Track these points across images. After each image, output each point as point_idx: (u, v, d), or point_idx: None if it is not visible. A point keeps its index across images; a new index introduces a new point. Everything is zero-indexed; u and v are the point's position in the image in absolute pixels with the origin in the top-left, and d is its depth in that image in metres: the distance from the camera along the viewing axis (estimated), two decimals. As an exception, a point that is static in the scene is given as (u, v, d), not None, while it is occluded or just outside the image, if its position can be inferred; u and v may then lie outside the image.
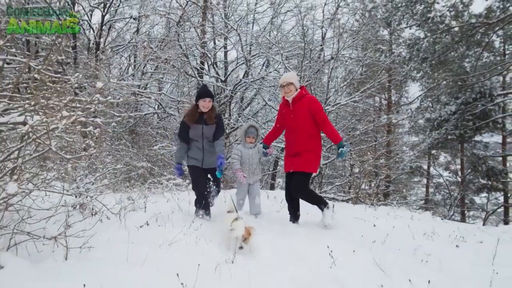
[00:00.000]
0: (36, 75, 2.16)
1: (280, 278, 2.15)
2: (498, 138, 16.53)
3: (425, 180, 19.86)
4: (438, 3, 11.37)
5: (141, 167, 6.73)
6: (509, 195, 15.15)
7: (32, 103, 1.91)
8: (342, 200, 8.03)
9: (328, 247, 2.54)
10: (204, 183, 3.86)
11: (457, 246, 3.53)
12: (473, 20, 9.83)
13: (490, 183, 12.79)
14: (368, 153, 9.57)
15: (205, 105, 3.94)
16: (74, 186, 3.08)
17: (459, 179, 16.31)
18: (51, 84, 2.08)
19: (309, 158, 3.97)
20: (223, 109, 10.91)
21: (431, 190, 19.61)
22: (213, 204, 4.09)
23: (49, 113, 1.82)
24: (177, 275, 1.74)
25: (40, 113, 1.94)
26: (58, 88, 2.14)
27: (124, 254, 2.29)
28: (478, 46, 9.93)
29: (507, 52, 15.08)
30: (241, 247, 2.69)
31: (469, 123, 11.85)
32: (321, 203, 3.90)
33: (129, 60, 14.10)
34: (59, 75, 2.63)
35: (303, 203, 4.15)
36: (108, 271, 1.94)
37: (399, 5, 9.17)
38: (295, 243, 2.91)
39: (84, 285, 1.53)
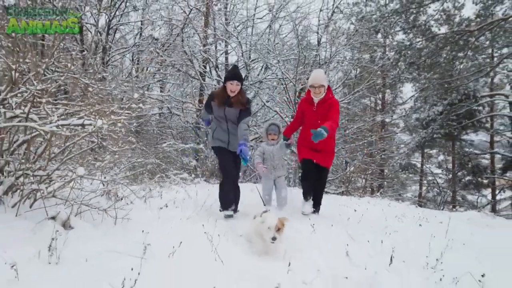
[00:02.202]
0: (90, 89, 2.89)
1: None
2: (487, 137, 17.34)
3: (419, 178, 20.73)
4: (425, 12, 12.17)
5: (151, 163, 7.46)
6: (497, 191, 15.96)
7: (91, 110, 2.64)
8: (333, 193, 8.78)
9: (309, 219, 3.29)
10: (232, 165, 3.91)
11: (420, 225, 4.27)
12: (458, 27, 10.60)
13: (475, 179, 13.55)
14: (358, 150, 10.28)
15: (232, 88, 3.75)
16: (109, 176, 3.81)
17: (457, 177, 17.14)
18: (102, 96, 2.78)
19: (330, 155, 4.36)
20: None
21: (424, 187, 20.48)
22: (236, 210, 4.06)
23: (106, 118, 2.55)
24: (203, 225, 2.49)
25: (96, 117, 2.67)
26: (110, 99, 2.87)
27: (154, 224, 3.03)
28: (462, 51, 10.67)
29: (495, 54, 15.89)
30: (274, 238, 2.47)
31: (453, 123, 12.63)
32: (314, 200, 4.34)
33: (133, 62, 14.82)
34: (102, 87, 3.37)
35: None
36: (149, 233, 2.68)
37: (386, 15, 9.93)
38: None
39: (143, 230, 2.27)
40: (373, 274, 2.27)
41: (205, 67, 12.07)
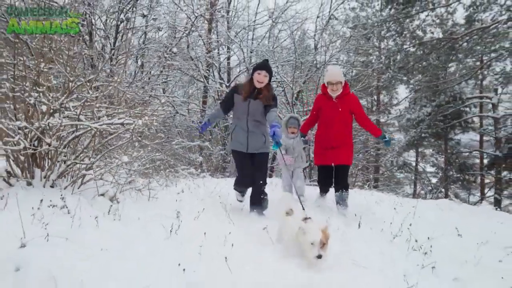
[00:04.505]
0: (128, 96, 3.70)
1: (267, 214, 3.72)
2: (478, 137, 18.18)
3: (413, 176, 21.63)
4: (418, 17, 12.99)
5: (161, 159, 8.26)
6: (486, 190, 16.81)
7: (130, 112, 3.45)
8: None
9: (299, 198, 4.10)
10: (250, 173, 3.73)
11: (394, 208, 5.08)
12: (445, 33, 11.45)
13: (463, 176, 14.40)
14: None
15: (259, 78, 3.61)
16: (135, 166, 4.62)
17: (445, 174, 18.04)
18: (138, 101, 3.58)
19: (350, 152, 4.31)
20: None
21: (419, 185, 21.38)
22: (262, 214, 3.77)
23: (142, 118, 3.37)
24: (219, 196, 3.32)
25: (136, 118, 3.49)
26: (144, 103, 3.67)
27: (177, 201, 3.85)
28: (449, 56, 11.50)
29: (484, 58, 16.72)
30: (319, 256, 2.13)
31: (440, 123, 13.51)
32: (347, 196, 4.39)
33: (137, 64, 15.57)
34: (134, 93, 4.19)
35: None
36: (181, 201, 3.50)
37: (376, 24, 10.77)
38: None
39: (176, 200, 3.08)
40: (343, 233, 3.09)
41: (208, 70, 12.87)
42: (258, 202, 3.77)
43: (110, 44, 13.20)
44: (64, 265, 1.65)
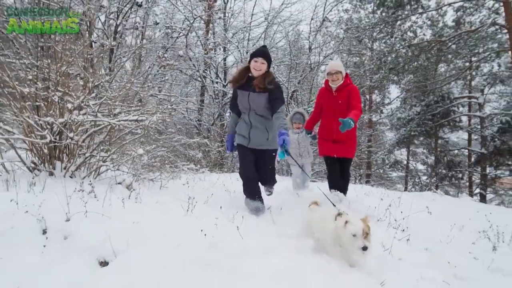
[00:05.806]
0: (141, 94, 4.10)
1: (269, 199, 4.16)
2: (465, 135, 18.84)
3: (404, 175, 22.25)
4: (409, 19, 13.52)
5: (163, 156, 8.65)
6: (474, 187, 17.45)
7: (143, 109, 3.86)
8: (322, 181, 10.13)
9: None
10: (251, 167, 3.52)
11: (381, 199, 5.53)
12: (433, 36, 12.02)
13: (451, 173, 15.00)
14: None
15: (256, 66, 3.31)
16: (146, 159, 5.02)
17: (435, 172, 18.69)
18: (148, 100, 3.95)
19: (353, 145, 4.30)
20: (225, 109, 12.89)
21: (410, 183, 22.01)
22: (271, 192, 3.83)
23: (155, 115, 3.79)
24: (224, 184, 3.74)
25: (149, 115, 3.90)
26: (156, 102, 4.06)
27: (186, 189, 4.27)
28: (437, 57, 12.05)
29: (473, 59, 17.34)
30: (365, 248, 1.96)
31: (429, 122, 14.12)
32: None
33: (134, 63, 15.84)
34: (145, 93, 4.59)
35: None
36: (188, 193, 3.91)
37: (367, 27, 11.28)
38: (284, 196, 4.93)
39: (188, 186, 3.50)
40: (333, 216, 3.53)
41: (206, 70, 13.25)
42: (268, 182, 3.73)
43: (110, 43, 13.47)
44: (111, 229, 2.07)
